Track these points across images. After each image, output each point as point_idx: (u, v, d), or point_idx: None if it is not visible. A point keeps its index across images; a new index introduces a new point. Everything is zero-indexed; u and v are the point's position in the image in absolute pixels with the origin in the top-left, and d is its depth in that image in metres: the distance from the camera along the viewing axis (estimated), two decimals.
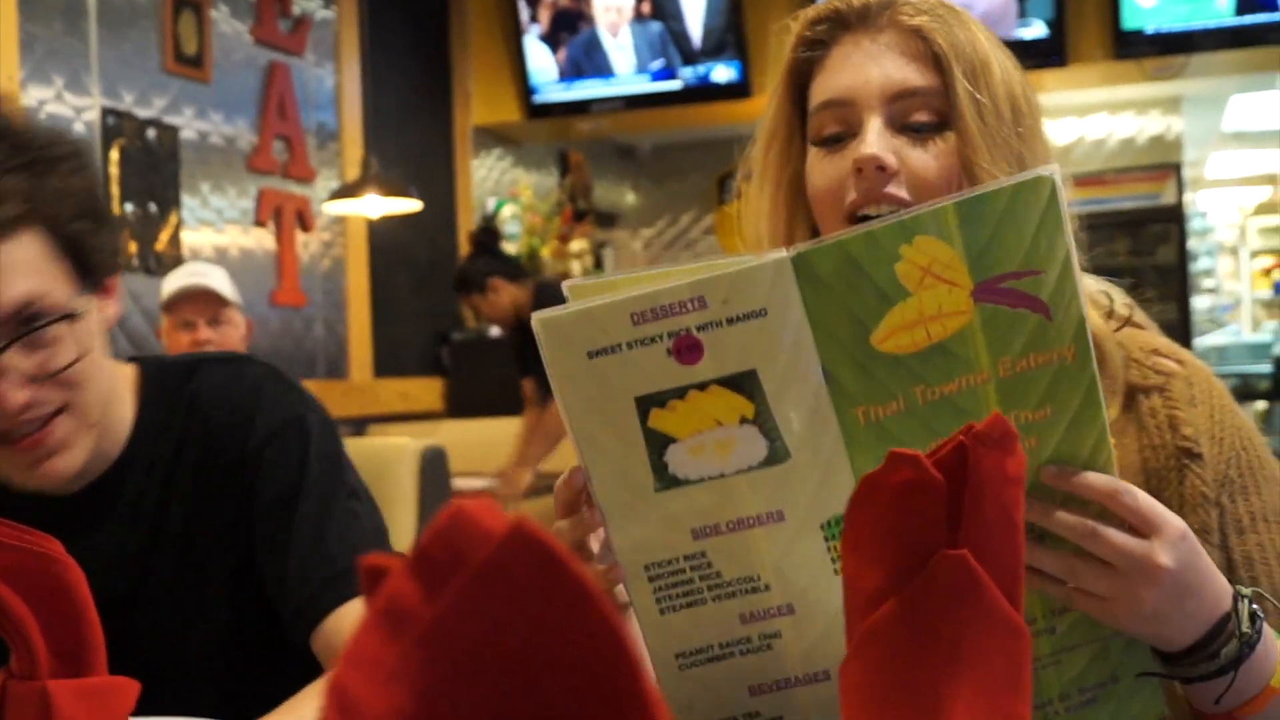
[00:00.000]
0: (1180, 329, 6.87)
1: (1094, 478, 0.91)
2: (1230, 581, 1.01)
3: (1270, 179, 8.39)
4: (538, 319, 0.89)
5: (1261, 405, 8.29)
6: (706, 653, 0.97)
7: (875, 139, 1.08)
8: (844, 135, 1.12)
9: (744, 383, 0.88)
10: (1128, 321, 1.16)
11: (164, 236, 4.21)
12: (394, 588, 0.35)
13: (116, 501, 1.27)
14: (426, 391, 5.69)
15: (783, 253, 0.86)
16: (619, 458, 0.92)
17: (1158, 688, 0.97)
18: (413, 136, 5.78)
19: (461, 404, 5.61)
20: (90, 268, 1.19)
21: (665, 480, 0.92)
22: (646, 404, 0.89)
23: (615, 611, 0.34)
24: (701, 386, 0.88)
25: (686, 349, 0.87)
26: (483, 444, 4.72)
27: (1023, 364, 0.88)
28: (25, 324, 1.13)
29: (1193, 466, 1.09)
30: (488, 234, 4.94)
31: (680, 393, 0.89)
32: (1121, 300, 1.18)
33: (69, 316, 1.15)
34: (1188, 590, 0.92)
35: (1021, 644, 0.77)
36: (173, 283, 3.24)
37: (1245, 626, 0.95)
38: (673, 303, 0.86)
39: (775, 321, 0.87)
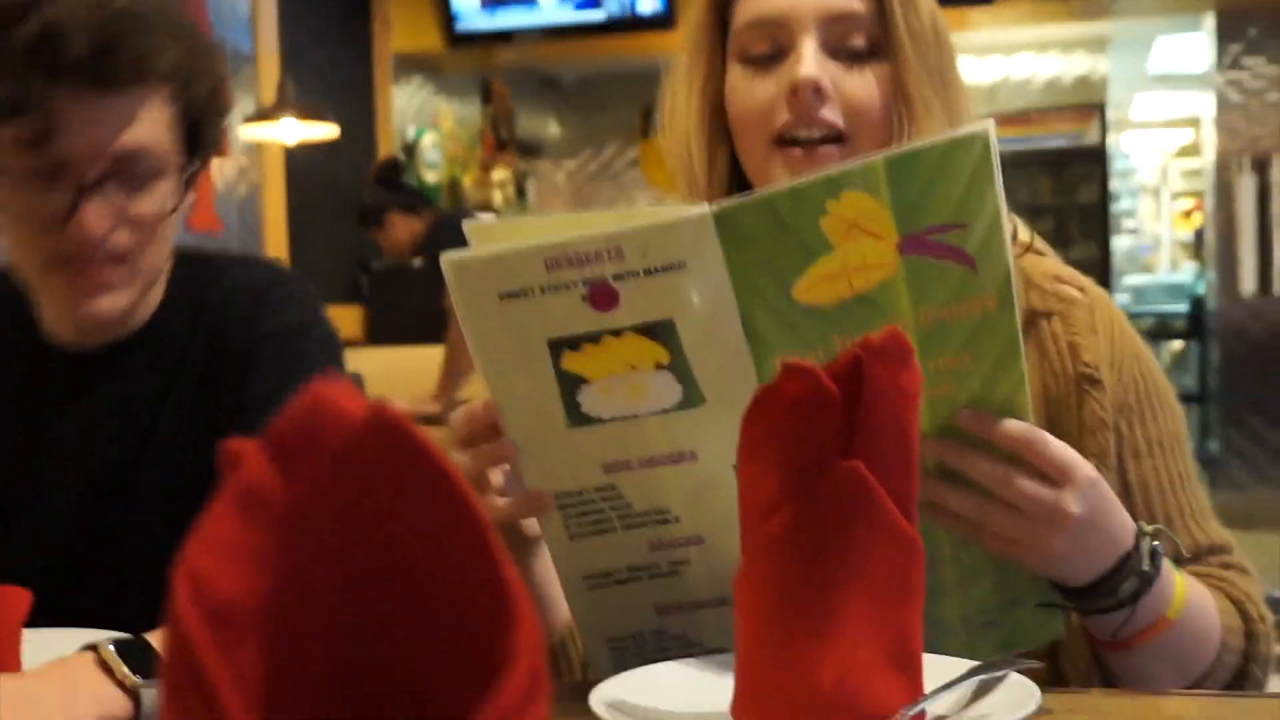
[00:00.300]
0: (1101, 269, 6.95)
1: (1010, 425, 0.92)
2: (1126, 506, 1.03)
3: (1193, 122, 8.48)
4: (447, 261, 0.88)
5: (1178, 345, 8.43)
6: (614, 575, 0.97)
7: (813, 61, 1.07)
8: (773, 55, 1.10)
9: (660, 331, 0.88)
10: (1029, 248, 1.17)
11: None
12: (250, 470, 0.34)
13: (127, 369, 1.31)
14: (346, 320, 5.63)
15: (705, 208, 0.85)
16: (530, 395, 0.91)
17: (1056, 612, 0.99)
18: (330, 63, 5.69)
19: (381, 332, 5.57)
20: (196, 151, 1.26)
21: (577, 418, 0.92)
22: (559, 346, 0.89)
23: (474, 495, 0.33)
24: (616, 332, 0.88)
25: (602, 296, 0.87)
26: (403, 372, 4.69)
27: (945, 313, 0.89)
28: (131, 167, 1.19)
29: (1092, 392, 1.10)
30: (387, 167, 4.89)
31: (594, 337, 0.88)
32: (1024, 228, 1.18)
33: (168, 177, 1.22)
34: (1097, 534, 0.94)
35: (912, 555, 0.77)
36: None
37: (1145, 565, 0.96)
38: (589, 252, 0.86)
39: (694, 274, 0.86)
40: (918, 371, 0.76)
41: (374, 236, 4.77)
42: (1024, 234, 1.17)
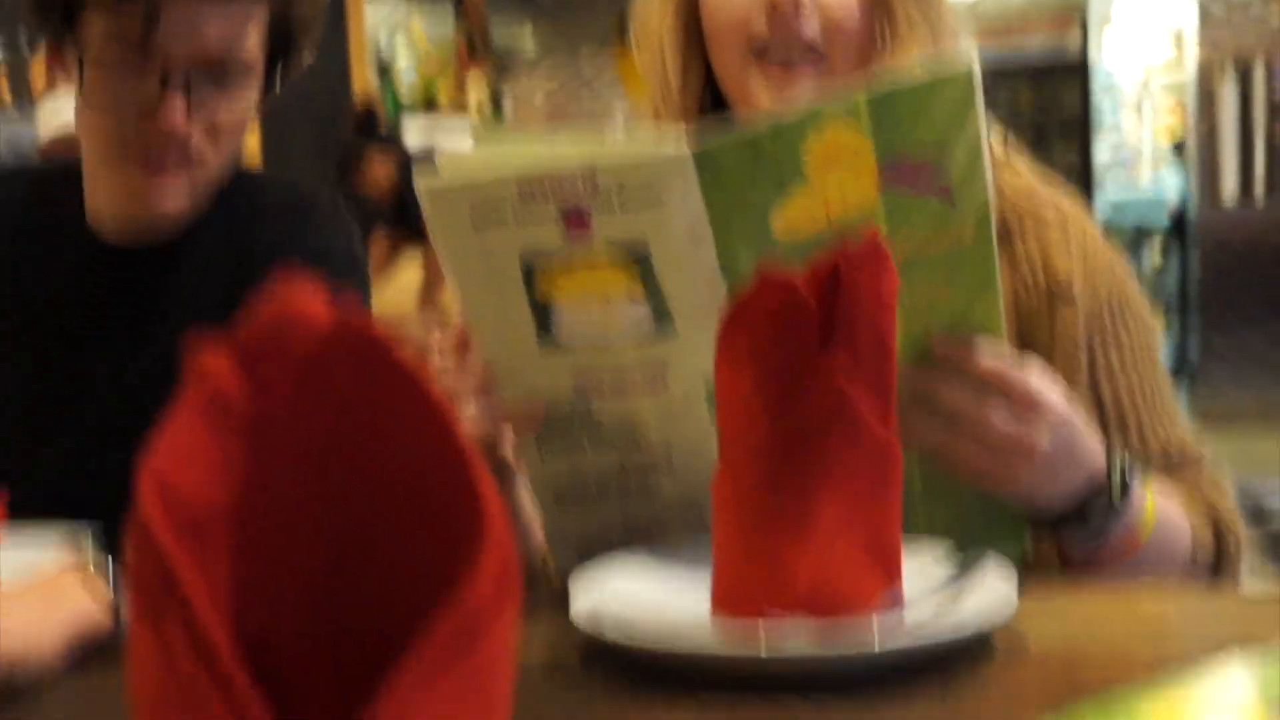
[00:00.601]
0: (1082, 178, 6.94)
1: (984, 354, 0.91)
2: (1099, 421, 1.03)
3: (1175, 30, 8.43)
4: (422, 187, 0.88)
5: (1159, 253, 8.44)
6: (585, 493, 0.98)
7: None
8: None
9: (634, 263, 0.87)
10: (1005, 159, 1.16)
11: (36, 76, 4.09)
12: (216, 378, 0.34)
13: (166, 270, 1.32)
14: None
15: (684, 148, 0.84)
16: (504, 319, 0.91)
17: (1023, 535, 0.99)
18: None
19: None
20: (280, 67, 1.28)
21: (549, 342, 0.92)
22: (533, 270, 0.89)
23: (444, 399, 0.33)
24: (589, 258, 0.88)
25: (577, 224, 0.86)
26: (380, 299, 4.67)
27: (922, 246, 0.88)
28: (221, 71, 1.20)
29: (1064, 309, 1.09)
30: (365, 118, 4.92)
31: (567, 264, 0.88)
32: (998, 140, 1.17)
33: (252, 87, 1.23)
34: (1063, 468, 0.93)
35: (891, 462, 0.77)
36: (51, 127, 3.13)
37: (1117, 496, 0.96)
38: (564, 180, 0.85)
39: (671, 211, 0.86)
40: (895, 278, 0.76)
41: (354, 182, 4.80)
42: (999, 145, 1.16)
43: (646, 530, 0.97)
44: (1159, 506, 1.00)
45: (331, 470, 0.34)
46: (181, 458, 0.33)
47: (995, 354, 0.92)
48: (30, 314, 1.31)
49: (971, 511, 0.99)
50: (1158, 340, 1.17)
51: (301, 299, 0.35)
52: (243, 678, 0.30)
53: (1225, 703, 0.56)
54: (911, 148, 0.85)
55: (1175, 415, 1.15)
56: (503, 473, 1.03)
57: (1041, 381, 0.92)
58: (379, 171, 4.68)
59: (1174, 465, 1.12)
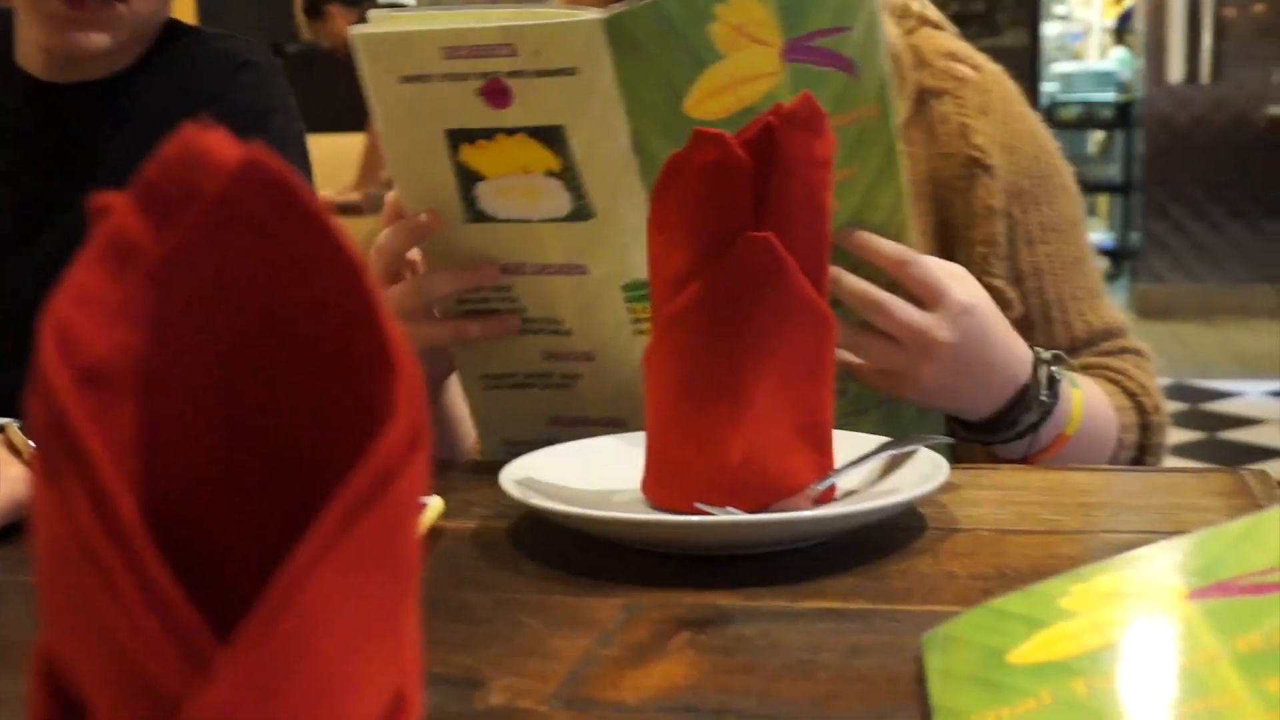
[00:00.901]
0: (1029, 56, 6.91)
1: (884, 243, 0.90)
2: (1018, 292, 1.02)
3: None
4: (354, 32, 0.89)
5: (1104, 134, 8.45)
6: (511, 378, 0.99)
7: None
8: None
9: (551, 136, 0.88)
10: (923, 22, 1.13)
11: None
12: (120, 221, 0.33)
13: (92, 111, 1.33)
14: None
15: (596, 13, 0.84)
16: (431, 183, 0.92)
17: (944, 448, 1.00)
18: None
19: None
20: None
21: (474, 214, 0.92)
22: (457, 138, 0.90)
23: (353, 244, 0.32)
24: (510, 132, 0.88)
25: (496, 92, 0.87)
26: (320, 162, 4.60)
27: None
28: None
29: (982, 177, 1.08)
30: None
31: (489, 134, 0.89)
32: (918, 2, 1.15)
33: None
34: (975, 363, 0.92)
35: (824, 330, 0.77)
36: None
37: (1044, 394, 0.96)
38: (482, 44, 0.86)
39: (585, 81, 0.85)
40: (831, 139, 0.75)
41: (315, 30, 4.74)
42: (917, 5, 1.14)
43: (571, 426, 0.99)
44: (1086, 395, 1.01)
45: (238, 315, 0.33)
46: (84, 305, 0.32)
47: (895, 243, 0.91)
48: None
49: (894, 434, 1.00)
50: (1081, 211, 1.16)
51: (208, 141, 0.33)
52: (144, 536, 0.29)
53: (1149, 587, 0.57)
54: (813, 15, 0.86)
55: (1097, 284, 1.15)
56: (440, 373, 1.02)
57: (944, 272, 0.92)
58: (340, 24, 4.63)
59: (1096, 336, 1.12)
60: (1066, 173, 1.15)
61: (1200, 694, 0.47)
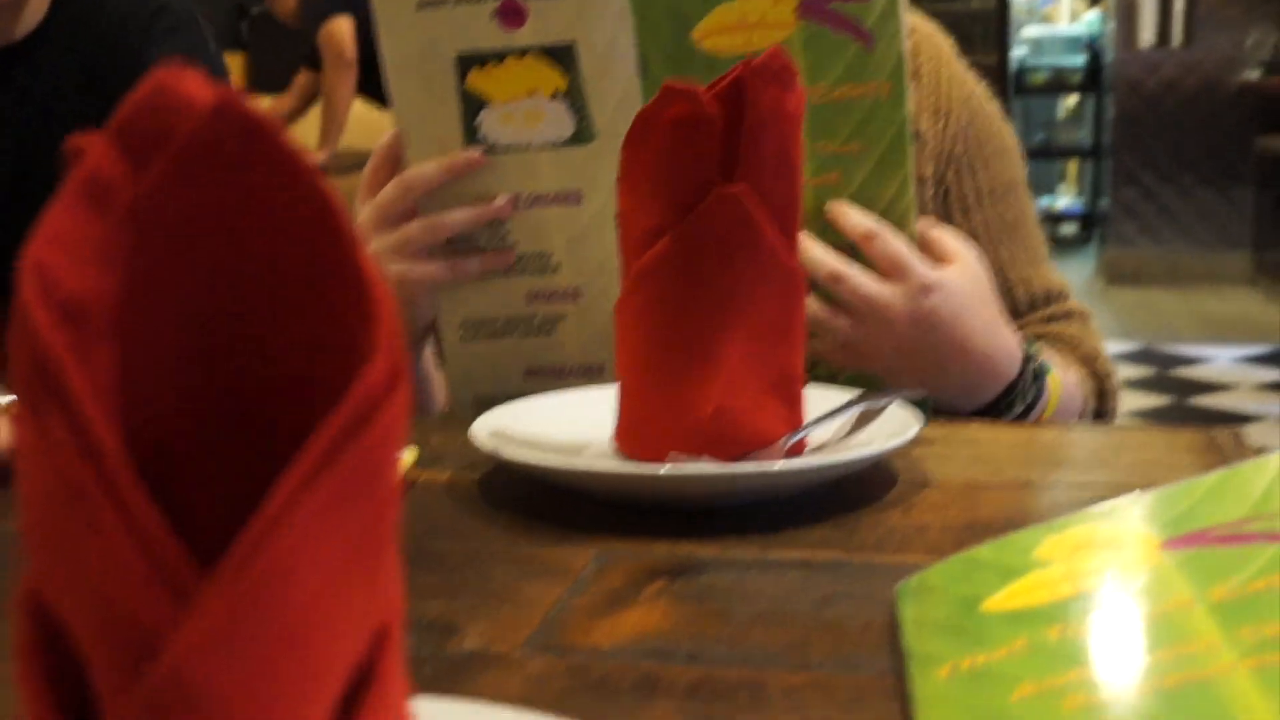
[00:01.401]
0: (998, 20, 6.92)
1: (852, 213, 0.90)
2: None
3: None
4: None
5: (1074, 99, 8.47)
6: (490, 326, 1.00)
7: None
8: None
9: (561, 55, 0.90)
10: None
11: None
12: (96, 162, 0.33)
13: (16, 70, 1.32)
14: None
15: None
16: (433, 116, 0.94)
17: None
18: None
19: (264, 81, 5.43)
20: None
21: (474, 143, 0.94)
22: (467, 63, 0.92)
23: (328, 186, 0.33)
24: (520, 53, 0.90)
25: (510, 12, 0.89)
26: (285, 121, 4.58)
27: (837, 93, 0.89)
28: None
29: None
30: None
31: (500, 56, 0.91)
32: None
33: None
34: (941, 343, 0.92)
35: (794, 288, 0.78)
36: None
37: (1029, 393, 0.97)
38: None
39: (599, 4, 0.88)
40: (801, 94, 0.76)
41: (269, 2, 4.73)
42: None
43: (547, 377, 1.00)
44: (1062, 382, 1.02)
45: (217, 256, 0.33)
46: (63, 246, 0.32)
47: (864, 215, 0.91)
48: None
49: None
50: (1021, 171, 1.15)
51: (181, 80, 0.33)
52: (128, 470, 0.30)
53: (1122, 538, 0.58)
54: None
55: (1039, 247, 1.14)
56: (419, 308, 1.03)
57: (912, 252, 0.92)
58: (289, 2, 4.60)
59: (1038, 300, 1.12)
60: (1007, 134, 1.13)
61: (1173, 641, 0.48)
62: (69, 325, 0.31)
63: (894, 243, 0.90)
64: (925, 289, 0.90)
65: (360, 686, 0.33)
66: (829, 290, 0.91)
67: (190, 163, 0.33)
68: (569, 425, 0.85)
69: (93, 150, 0.33)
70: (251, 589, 0.29)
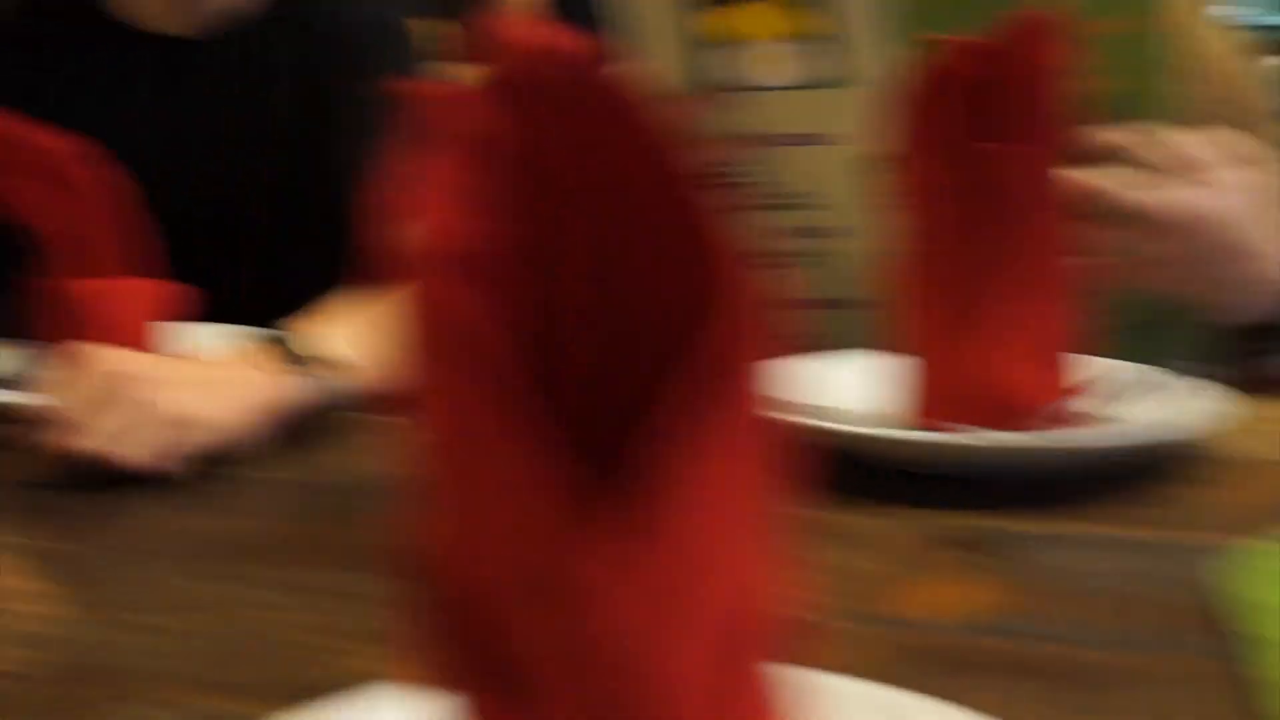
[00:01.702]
0: None
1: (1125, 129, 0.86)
2: None
3: None
4: None
5: None
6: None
7: None
8: None
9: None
10: None
11: None
12: (476, 115, 0.33)
13: (222, 63, 1.31)
14: None
15: None
16: (667, 59, 0.93)
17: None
18: None
19: None
20: None
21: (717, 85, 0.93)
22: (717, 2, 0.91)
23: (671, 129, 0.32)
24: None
25: None
26: None
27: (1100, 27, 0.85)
28: None
29: None
30: None
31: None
32: None
33: None
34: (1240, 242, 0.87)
35: (1068, 250, 0.75)
36: None
37: None
38: None
39: None
40: (1066, 50, 0.73)
41: None
42: None
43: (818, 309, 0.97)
44: None
45: (595, 205, 0.33)
46: (456, 201, 0.32)
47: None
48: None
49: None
50: None
51: (550, 34, 0.33)
52: (554, 431, 0.30)
53: None
54: None
55: None
56: None
57: (1206, 148, 0.87)
58: None
59: None
60: None
61: None
62: (475, 279, 0.31)
63: (1186, 147, 0.86)
64: (1236, 187, 0.86)
65: (734, 643, 0.33)
66: (1121, 207, 0.85)
67: (568, 112, 0.32)
68: (847, 392, 0.82)
69: (473, 102, 0.33)
70: (673, 554, 0.29)
